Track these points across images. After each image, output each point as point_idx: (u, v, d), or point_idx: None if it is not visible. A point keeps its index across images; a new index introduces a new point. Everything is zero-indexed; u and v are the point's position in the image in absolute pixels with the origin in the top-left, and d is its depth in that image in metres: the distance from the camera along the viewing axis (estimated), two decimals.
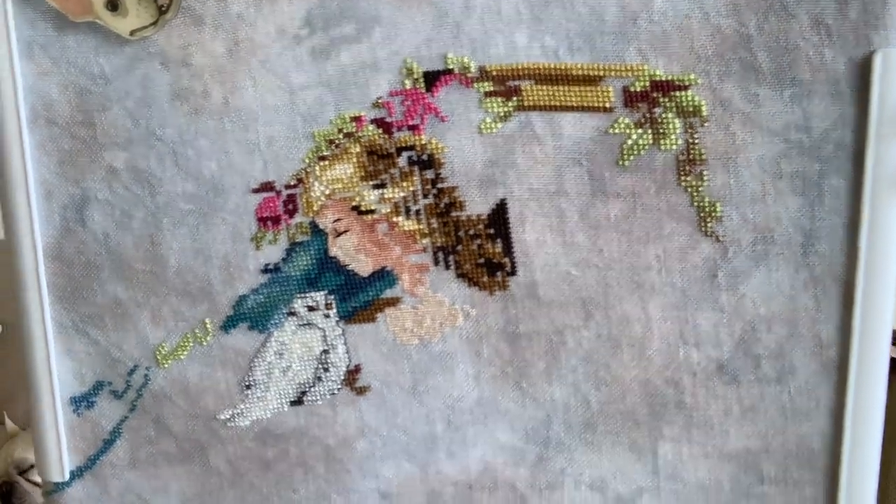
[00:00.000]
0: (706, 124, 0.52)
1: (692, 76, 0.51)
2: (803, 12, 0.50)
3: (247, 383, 0.59)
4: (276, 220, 0.57)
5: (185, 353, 0.59)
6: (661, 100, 0.52)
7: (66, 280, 0.59)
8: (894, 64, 0.49)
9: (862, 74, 0.50)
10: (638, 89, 0.52)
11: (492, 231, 0.55)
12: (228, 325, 0.59)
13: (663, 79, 0.51)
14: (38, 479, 1.43)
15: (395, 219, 0.56)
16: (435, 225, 0.55)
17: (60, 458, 0.62)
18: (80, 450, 0.62)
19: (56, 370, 0.60)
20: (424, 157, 0.55)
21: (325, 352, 0.58)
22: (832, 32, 0.50)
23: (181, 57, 0.55)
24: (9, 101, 0.57)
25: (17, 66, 0.56)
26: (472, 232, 0.55)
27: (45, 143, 0.58)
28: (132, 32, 0.55)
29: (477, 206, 0.55)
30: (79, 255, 0.59)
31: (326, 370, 0.59)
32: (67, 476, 0.62)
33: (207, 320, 0.59)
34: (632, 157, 0.53)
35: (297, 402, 0.59)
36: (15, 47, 0.56)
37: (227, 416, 0.60)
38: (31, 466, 1.43)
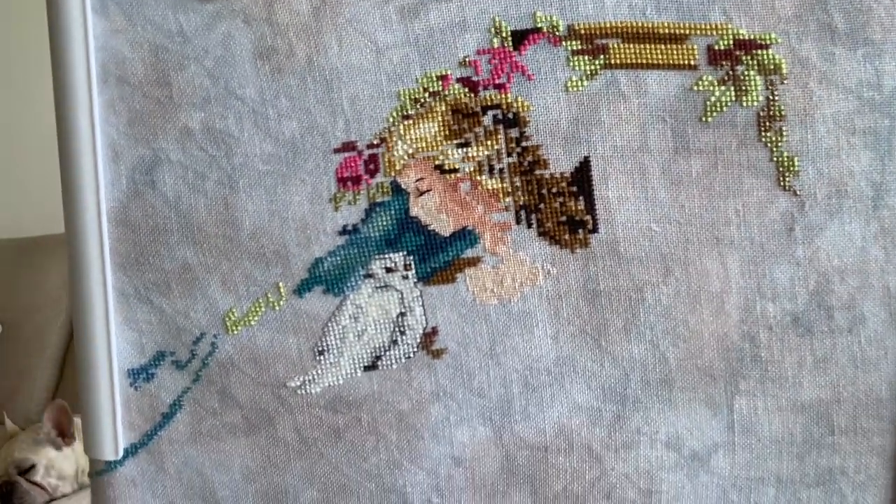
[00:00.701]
0: (786, 81, 0.54)
1: (773, 35, 0.54)
2: None
3: (319, 349, 0.58)
4: (356, 181, 0.57)
5: (256, 318, 0.58)
6: (744, 58, 0.54)
7: (131, 246, 0.58)
8: None
9: None
10: (722, 47, 0.54)
11: (575, 189, 0.56)
12: (302, 288, 0.58)
13: (746, 37, 0.54)
14: (39, 479, 1.36)
15: (478, 177, 0.56)
16: (518, 183, 0.56)
17: (115, 435, 0.59)
18: (136, 426, 0.60)
19: (115, 342, 0.58)
20: (510, 115, 0.55)
21: (402, 314, 0.58)
22: None
23: (265, 15, 0.55)
24: (79, 59, 0.55)
25: (90, 23, 0.55)
26: (555, 190, 0.56)
27: (114, 102, 0.56)
28: None
29: (561, 164, 0.56)
30: (146, 220, 0.57)
31: (403, 333, 0.58)
32: (121, 454, 0.60)
33: (281, 284, 0.58)
34: (715, 114, 0.55)
35: (371, 366, 0.59)
36: (88, 3, 0.55)
37: (298, 384, 0.59)
38: (32, 466, 1.37)
